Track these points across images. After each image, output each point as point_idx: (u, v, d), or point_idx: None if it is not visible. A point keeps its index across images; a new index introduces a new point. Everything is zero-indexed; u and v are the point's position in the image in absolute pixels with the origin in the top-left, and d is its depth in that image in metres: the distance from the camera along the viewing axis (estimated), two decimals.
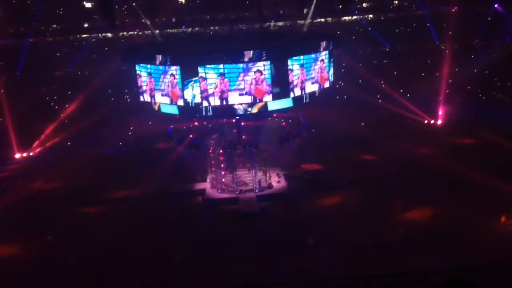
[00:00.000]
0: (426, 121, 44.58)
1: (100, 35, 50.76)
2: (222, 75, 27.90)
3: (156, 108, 30.56)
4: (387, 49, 51.24)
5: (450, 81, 46.87)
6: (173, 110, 29.61)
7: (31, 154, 42.52)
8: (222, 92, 28.02)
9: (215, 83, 27.89)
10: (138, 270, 22.97)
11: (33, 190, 34.84)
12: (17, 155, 41.92)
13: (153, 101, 30.50)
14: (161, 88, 29.65)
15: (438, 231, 24.98)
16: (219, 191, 32.23)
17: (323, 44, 30.45)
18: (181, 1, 51.68)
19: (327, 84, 31.91)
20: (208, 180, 33.89)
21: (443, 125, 44.26)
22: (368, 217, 27.00)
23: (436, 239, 24.06)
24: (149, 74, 30.09)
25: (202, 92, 28.04)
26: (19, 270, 23.82)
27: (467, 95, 47.45)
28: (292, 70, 28.94)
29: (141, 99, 31.59)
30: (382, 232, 25.29)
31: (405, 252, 22.95)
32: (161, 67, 29.10)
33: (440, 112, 45.10)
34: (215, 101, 28.21)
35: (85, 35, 50.67)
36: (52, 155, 41.62)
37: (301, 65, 29.62)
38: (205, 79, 27.87)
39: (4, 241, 26.82)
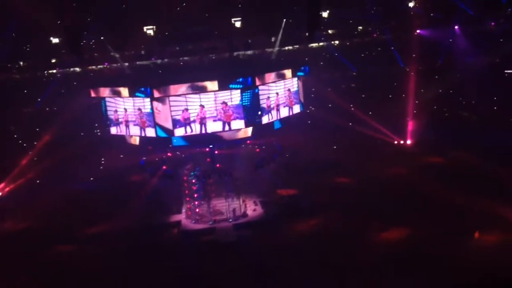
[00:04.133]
0: (395, 142, 45.45)
1: (68, 69, 50.25)
2: (201, 106, 28.51)
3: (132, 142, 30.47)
4: (354, 74, 52.38)
5: (416, 102, 48.11)
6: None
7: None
8: (202, 119, 28.76)
9: (197, 112, 28.61)
10: None
11: (3, 231, 33.62)
12: None
13: (127, 132, 30.44)
14: (133, 119, 29.89)
15: (417, 251, 25.14)
16: (193, 221, 31.86)
17: (290, 71, 31.16)
18: (150, 34, 51.79)
19: (296, 109, 32.48)
20: (183, 211, 33.49)
21: (412, 145, 45.18)
22: (346, 240, 27.05)
23: (416, 259, 24.20)
24: (124, 108, 30.21)
25: (185, 120, 28.58)
26: None
27: (434, 115, 48.68)
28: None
29: (115, 131, 31.42)
30: (362, 255, 25.33)
31: (388, 274, 22.97)
32: (130, 99, 29.30)
33: (409, 133, 46.07)
34: (195, 128, 28.68)
35: (52, 71, 50.11)
36: (22, 194, 40.50)
37: (276, 93, 30.32)
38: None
39: None
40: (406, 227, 28.13)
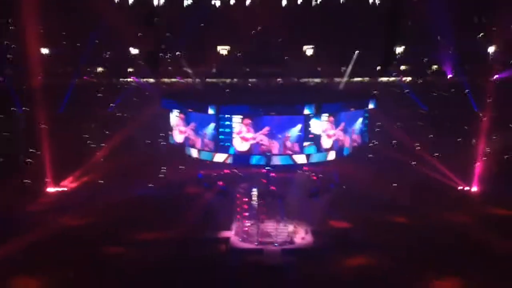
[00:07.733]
0: (460, 187, 43.44)
1: (142, 79, 52.47)
2: None
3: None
4: (423, 112, 51.08)
5: (487, 149, 46.04)
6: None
7: (65, 189, 43.44)
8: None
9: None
10: None
11: (63, 225, 35.13)
12: (50, 189, 42.94)
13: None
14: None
15: None
16: (240, 239, 31.94)
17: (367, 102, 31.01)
18: (224, 53, 53.50)
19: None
20: (233, 228, 33.61)
21: (477, 193, 42.97)
22: (393, 283, 25.98)
23: None
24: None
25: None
26: None
27: (505, 164, 46.30)
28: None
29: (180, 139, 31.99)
30: None
31: None
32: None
33: (475, 179, 43.91)
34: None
35: (128, 79, 52.52)
36: (84, 192, 42.34)
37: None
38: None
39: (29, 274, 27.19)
40: (459, 279, 26.61)
